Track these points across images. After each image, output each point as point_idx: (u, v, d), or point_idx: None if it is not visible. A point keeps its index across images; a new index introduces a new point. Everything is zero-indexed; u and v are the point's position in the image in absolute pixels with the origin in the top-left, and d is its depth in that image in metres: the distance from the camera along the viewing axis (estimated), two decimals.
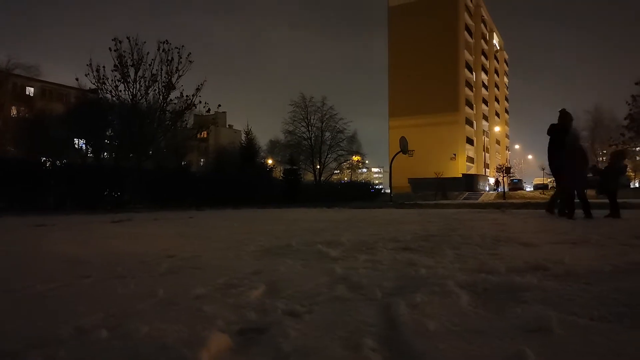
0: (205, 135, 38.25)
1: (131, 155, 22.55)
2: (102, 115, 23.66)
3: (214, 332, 1.52)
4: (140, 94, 22.13)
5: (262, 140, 61.53)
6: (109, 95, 22.09)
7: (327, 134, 39.69)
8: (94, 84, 21.68)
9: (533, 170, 79.48)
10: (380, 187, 57.60)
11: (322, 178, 39.08)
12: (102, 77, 21.34)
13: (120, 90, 21.85)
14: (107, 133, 24.98)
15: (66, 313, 1.82)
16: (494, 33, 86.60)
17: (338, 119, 39.79)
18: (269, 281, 2.40)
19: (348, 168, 57.55)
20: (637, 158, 51.72)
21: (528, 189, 59.35)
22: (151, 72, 22.02)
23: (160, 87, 22.36)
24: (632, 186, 43.57)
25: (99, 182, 17.04)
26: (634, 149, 41.49)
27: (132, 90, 21.97)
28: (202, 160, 50.81)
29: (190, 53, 22.63)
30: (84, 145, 25.90)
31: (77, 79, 23.66)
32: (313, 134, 39.39)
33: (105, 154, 25.36)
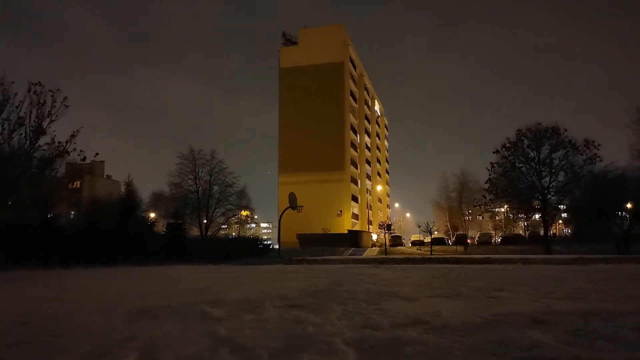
0: (78, 186, 35.13)
1: None
2: None
3: None
4: (3, 138, 19.88)
5: (145, 193, 57.85)
6: None
7: (216, 187, 38.83)
8: None
9: (411, 227, 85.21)
10: (269, 242, 57.14)
11: (208, 233, 37.70)
12: None
13: None
14: None
15: None
16: (376, 100, 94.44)
17: (227, 173, 39.28)
18: (143, 347, 2.16)
19: (236, 223, 56.49)
20: (497, 218, 58.31)
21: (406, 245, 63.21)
22: (18, 115, 19.99)
23: (28, 131, 20.34)
24: (492, 242, 48.54)
25: None
26: (493, 209, 46.70)
27: None
28: (72, 212, 46.09)
29: (66, 97, 21.11)
30: None
31: None
32: (201, 187, 38.26)
33: None
